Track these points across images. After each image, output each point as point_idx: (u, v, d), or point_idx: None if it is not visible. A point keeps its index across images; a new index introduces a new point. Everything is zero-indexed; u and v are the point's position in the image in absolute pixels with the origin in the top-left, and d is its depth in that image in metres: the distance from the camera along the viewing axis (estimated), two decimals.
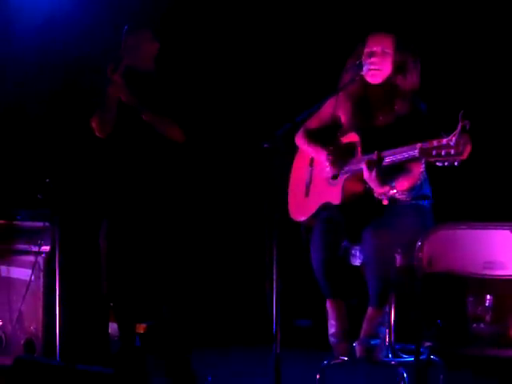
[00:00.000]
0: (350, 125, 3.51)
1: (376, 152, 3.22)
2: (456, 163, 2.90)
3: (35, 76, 4.79)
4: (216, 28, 4.87)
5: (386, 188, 3.26)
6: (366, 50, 3.45)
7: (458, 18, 4.30)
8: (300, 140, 3.69)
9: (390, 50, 3.43)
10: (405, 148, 3.13)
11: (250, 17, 4.86)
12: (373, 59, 3.42)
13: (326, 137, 3.60)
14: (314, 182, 3.62)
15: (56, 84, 4.78)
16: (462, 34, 4.29)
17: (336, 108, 3.59)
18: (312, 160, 3.67)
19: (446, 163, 2.92)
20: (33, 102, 4.82)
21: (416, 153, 3.05)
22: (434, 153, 2.95)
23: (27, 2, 4.78)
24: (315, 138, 3.63)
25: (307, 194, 3.65)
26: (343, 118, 3.56)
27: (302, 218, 3.62)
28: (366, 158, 3.27)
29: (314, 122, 3.66)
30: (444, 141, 2.92)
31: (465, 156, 2.89)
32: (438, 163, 2.95)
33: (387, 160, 3.22)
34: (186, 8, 4.84)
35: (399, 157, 3.17)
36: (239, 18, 4.86)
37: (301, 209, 3.65)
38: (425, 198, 3.45)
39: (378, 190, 3.27)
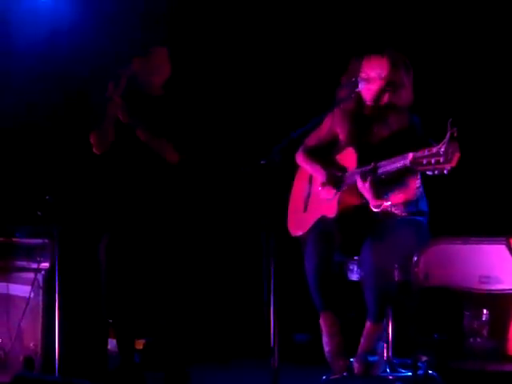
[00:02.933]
0: (347, 140, 3.55)
1: (372, 163, 3.26)
2: (445, 171, 2.94)
3: (35, 92, 4.81)
4: (211, 47, 4.90)
5: (381, 200, 3.29)
6: (363, 75, 3.47)
7: (447, 27, 4.33)
8: (300, 158, 3.74)
9: (386, 74, 3.46)
10: (397, 157, 3.17)
11: (244, 36, 4.89)
12: (370, 86, 3.45)
13: (325, 153, 3.64)
14: (313, 196, 3.65)
15: (56, 100, 4.80)
16: (451, 40, 4.31)
17: (333, 125, 3.63)
18: (311, 176, 3.70)
19: (436, 172, 2.96)
20: (33, 118, 4.84)
21: (408, 162, 3.09)
22: (424, 161, 2.99)
23: (29, 17, 4.80)
24: (314, 156, 3.67)
25: (305, 209, 3.68)
26: (341, 135, 3.60)
27: (300, 233, 3.64)
28: (361, 169, 3.30)
29: (312, 140, 3.71)
30: (434, 149, 2.96)
31: (454, 164, 2.93)
32: (428, 172, 2.99)
33: (381, 170, 3.24)
34: (187, 32, 4.87)
35: (392, 166, 3.21)
36: (233, 36, 4.89)
37: (299, 224, 3.67)
38: (421, 213, 3.47)
39: (372, 202, 3.30)
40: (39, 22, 4.80)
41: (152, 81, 3.84)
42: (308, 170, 3.70)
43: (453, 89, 4.28)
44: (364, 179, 3.26)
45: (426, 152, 2.99)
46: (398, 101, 3.47)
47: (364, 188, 3.27)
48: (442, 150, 2.92)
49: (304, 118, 3.42)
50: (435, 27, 4.33)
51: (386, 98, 3.49)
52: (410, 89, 3.49)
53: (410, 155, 3.08)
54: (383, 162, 3.24)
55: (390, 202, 3.31)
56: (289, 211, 3.77)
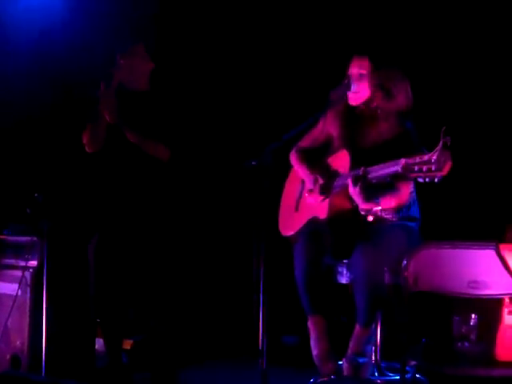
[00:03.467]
0: (340, 143, 3.55)
1: (362, 167, 3.26)
2: (436, 179, 2.93)
3: (26, 90, 4.80)
4: (205, 46, 4.90)
5: (371, 204, 3.29)
6: (347, 73, 3.50)
7: (443, 35, 4.32)
8: (292, 159, 3.74)
9: (365, 72, 3.46)
10: (389, 163, 3.16)
11: (238, 36, 4.89)
12: (354, 84, 3.46)
13: (318, 155, 3.64)
14: (304, 196, 3.65)
15: (47, 99, 4.79)
16: (447, 49, 4.31)
17: (326, 126, 3.63)
18: None
19: (426, 179, 2.96)
20: (23, 116, 4.83)
21: (399, 168, 3.08)
22: (416, 168, 2.98)
23: (23, 15, 4.80)
24: (306, 158, 3.67)
25: (297, 208, 3.68)
26: (334, 136, 3.59)
27: (290, 233, 3.64)
28: (352, 173, 3.30)
29: (306, 141, 3.71)
30: (426, 157, 2.95)
31: (445, 172, 2.92)
32: (419, 179, 2.99)
33: (372, 175, 3.24)
34: (178, 27, 4.87)
35: (384, 171, 3.20)
36: (227, 37, 4.89)
37: (289, 223, 3.67)
38: (413, 219, 3.46)
39: (361, 206, 3.30)
40: (33, 20, 4.79)
41: (136, 78, 3.85)
42: (298, 172, 3.71)
43: (445, 97, 4.28)
44: (355, 184, 3.26)
45: (418, 159, 2.97)
46: (386, 106, 3.45)
47: (354, 192, 3.27)
48: (434, 158, 2.91)
49: (296, 119, 3.42)
50: (432, 35, 4.32)
51: (374, 102, 3.48)
52: (401, 96, 3.46)
53: (402, 161, 3.06)
54: (374, 167, 3.24)
55: (380, 207, 3.31)
56: (280, 210, 3.77)
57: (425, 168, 2.94)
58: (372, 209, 3.30)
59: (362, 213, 3.33)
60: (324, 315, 3.37)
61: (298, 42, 4.77)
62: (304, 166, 3.65)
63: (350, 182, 3.28)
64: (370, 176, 3.24)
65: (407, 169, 3.02)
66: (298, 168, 3.70)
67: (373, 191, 3.27)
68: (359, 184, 3.24)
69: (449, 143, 2.89)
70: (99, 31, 4.69)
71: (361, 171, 3.25)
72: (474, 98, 4.22)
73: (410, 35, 4.34)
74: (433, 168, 2.91)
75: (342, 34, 4.57)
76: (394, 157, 3.17)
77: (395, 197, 3.33)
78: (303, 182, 3.69)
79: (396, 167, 3.10)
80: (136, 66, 3.83)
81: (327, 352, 3.32)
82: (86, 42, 4.72)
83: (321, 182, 3.50)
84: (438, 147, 2.91)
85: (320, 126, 3.64)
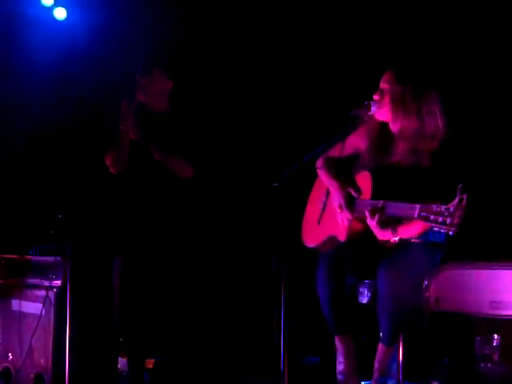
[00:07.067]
0: (368, 157, 3.50)
1: (382, 201, 3.23)
2: (451, 233, 2.88)
3: (50, 113, 4.86)
4: (227, 66, 4.93)
5: (388, 234, 3.27)
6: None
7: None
8: (321, 169, 3.64)
9: (386, 85, 3.39)
10: (405, 205, 3.10)
11: (262, 56, 4.91)
12: (374, 95, 3.43)
13: (345, 167, 3.59)
14: (327, 210, 3.62)
15: (70, 120, 4.85)
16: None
17: (356, 140, 3.54)
18: (329, 188, 3.66)
19: (442, 230, 2.90)
20: (47, 138, 4.89)
21: (415, 214, 3.01)
22: (431, 218, 2.92)
23: (44, 39, 4.88)
24: (336, 169, 3.59)
25: (319, 221, 3.66)
26: (363, 150, 3.54)
27: (311, 245, 3.63)
28: (371, 204, 3.28)
29: (335, 151, 3.60)
30: (443, 207, 2.89)
31: (456, 228, 2.87)
32: (435, 228, 2.93)
33: (388, 211, 3.21)
34: (198, 48, 4.92)
35: (399, 212, 3.16)
36: (251, 57, 4.92)
37: (312, 236, 3.65)
38: (436, 245, 3.42)
39: (379, 237, 3.29)
40: (54, 44, 4.87)
41: (156, 98, 3.90)
42: (326, 184, 3.64)
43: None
44: (372, 216, 3.24)
45: (435, 208, 2.91)
46: (410, 126, 3.33)
47: (372, 224, 3.26)
48: (451, 209, 2.86)
49: (317, 141, 3.42)
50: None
51: (397, 120, 3.39)
52: (429, 118, 3.32)
53: (417, 207, 3.00)
54: (392, 204, 3.20)
55: (398, 237, 3.29)
56: (304, 220, 3.74)
57: (440, 219, 2.88)
58: (390, 239, 3.29)
59: (381, 243, 3.33)
60: (351, 335, 3.36)
61: (321, 63, 4.79)
62: (334, 179, 3.56)
63: (367, 214, 3.26)
64: (387, 211, 3.21)
65: (422, 216, 2.96)
66: (326, 180, 3.62)
67: (391, 220, 3.24)
68: (377, 216, 3.23)
69: (464, 202, 2.84)
70: (120, 54, 4.76)
71: (380, 204, 3.23)
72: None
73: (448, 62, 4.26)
74: (448, 221, 2.86)
75: (366, 58, 4.57)
76: (410, 188, 3.15)
77: (414, 226, 3.26)
78: (328, 194, 3.63)
79: (411, 212, 3.03)
80: (155, 85, 3.89)
81: (353, 370, 3.32)
82: (107, 65, 4.79)
83: (352, 196, 3.43)
84: (455, 202, 2.85)
85: (353, 140, 3.54)
